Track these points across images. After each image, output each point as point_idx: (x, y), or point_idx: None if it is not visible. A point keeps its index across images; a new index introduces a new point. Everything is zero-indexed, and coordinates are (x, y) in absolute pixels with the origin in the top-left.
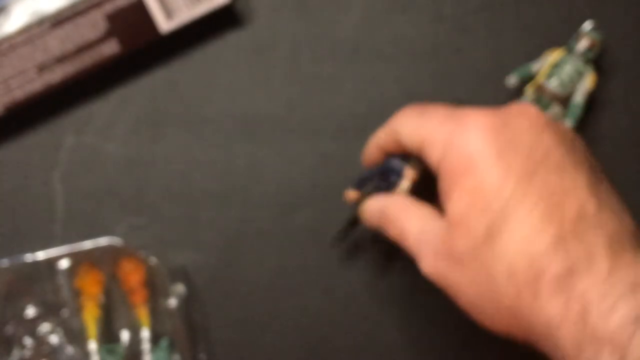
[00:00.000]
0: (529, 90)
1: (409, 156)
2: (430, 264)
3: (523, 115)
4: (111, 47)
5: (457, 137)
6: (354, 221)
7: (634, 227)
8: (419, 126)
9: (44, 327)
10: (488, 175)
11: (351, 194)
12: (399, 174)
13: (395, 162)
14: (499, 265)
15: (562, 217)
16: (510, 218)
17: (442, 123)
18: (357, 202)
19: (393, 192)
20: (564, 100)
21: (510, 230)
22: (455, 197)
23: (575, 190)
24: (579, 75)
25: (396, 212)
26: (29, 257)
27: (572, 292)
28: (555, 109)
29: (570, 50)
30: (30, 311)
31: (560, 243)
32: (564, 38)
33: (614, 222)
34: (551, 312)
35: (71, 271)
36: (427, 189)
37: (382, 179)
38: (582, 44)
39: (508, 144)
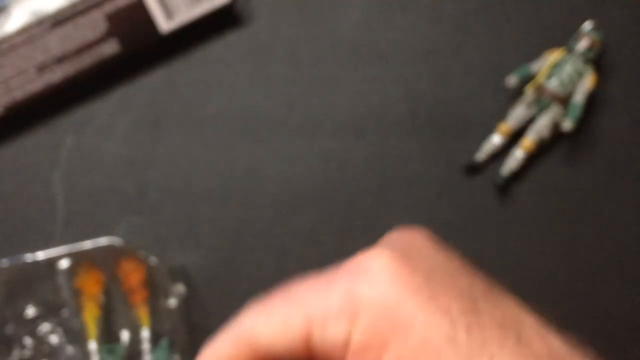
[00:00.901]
0: (529, 91)
1: None
2: None
3: (409, 236)
4: (111, 47)
5: (364, 291)
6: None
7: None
8: (290, 312)
9: (44, 327)
10: (430, 328)
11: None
12: None
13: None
14: None
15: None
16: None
17: (327, 289)
18: None
19: None
20: (564, 100)
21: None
22: None
23: (513, 312)
24: (579, 75)
25: None
26: (29, 257)
27: None
28: (555, 109)
29: (570, 50)
30: (30, 311)
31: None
32: (564, 38)
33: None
34: None
35: (71, 271)
36: None
37: None
38: (582, 44)
39: (424, 276)
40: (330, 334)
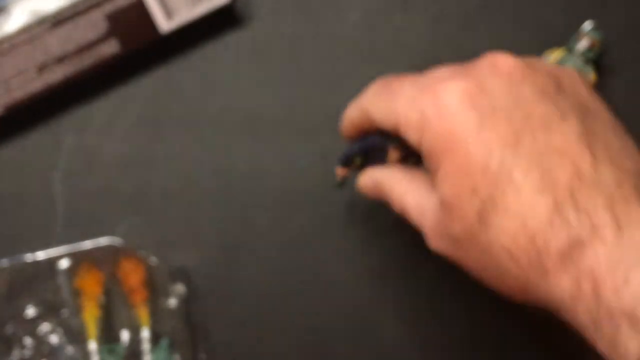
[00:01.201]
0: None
1: (389, 135)
2: (433, 241)
3: (497, 71)
4: (111, 47)
5: (432, 114)
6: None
7: (639, 167)
8: (390, 107)
9: (44, 327)
10: (471, 151)
11: (339, 171)
12: (382, 152)
13: (376, 140)
14: (498, 247)
15: (555, 183)
16: (501, 194)
17: (413, 100)
18: (346, 177)
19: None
20: None
21: (503, 207)
22: (441, 178)
23: (566, 146)
24: None
25: (391, 186)
26: (29, 257)
27: (580, 267)
28: None
29: (570, 50)
30: (30, 311)
31: (558, 213)
32: (564, 38)
33: (613, 173)
34: (562, 291)
35: (71, 271)
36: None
37: (367, 156)
38: (582, 44)
39: (486, 111)
40: (409, 137)
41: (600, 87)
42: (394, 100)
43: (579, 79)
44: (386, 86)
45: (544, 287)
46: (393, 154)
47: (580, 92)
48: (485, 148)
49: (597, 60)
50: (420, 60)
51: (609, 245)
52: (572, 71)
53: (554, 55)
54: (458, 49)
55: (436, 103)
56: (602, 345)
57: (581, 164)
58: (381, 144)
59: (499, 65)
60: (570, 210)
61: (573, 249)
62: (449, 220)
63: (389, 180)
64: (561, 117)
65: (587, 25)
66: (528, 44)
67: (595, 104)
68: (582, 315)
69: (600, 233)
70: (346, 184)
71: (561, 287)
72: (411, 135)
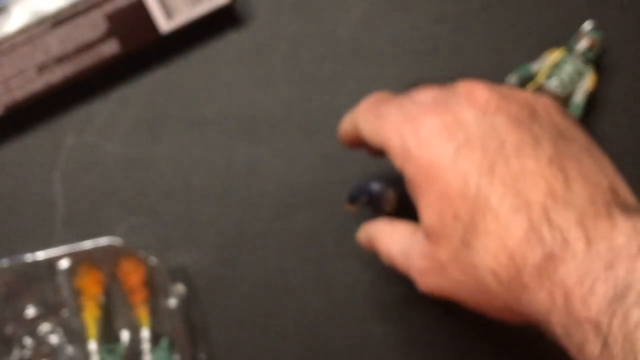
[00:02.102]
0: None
1: (387, 184)
2: (422, 281)
3: (472, 102)
4: (111, 47)
5: (412, 144)
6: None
7: (612, 182)
8: (377, 128)
9: (44, 327)
10: (449, 180)
11: (348, 207)
12: (380, 197)
13: (375, 187)
14: (482, 267)
15: (530, 204)
16: (481, 218)
17: (397, 128)
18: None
19: (381, 208)
20: (564, 100)
21: (484, 230)
22: (424, 207)
23: (539, 169)
24: (579, 75)
25: (380, 239)
26: (29, 257)
27: (553, 280)
28: None
29: (570, 50)
30: (30, 311)
31: (534, 231)
32: (564, 38)
33: (586, 191)
34: (539, 303)
35: (71, 271)
36: None
37: (368, 197)
38: (582, 44)
39: (462, 142)
40: (393, 161)
41: (600, 87)
42: (381, 123)
43: (553, 106)
44: (375, 106)
45: (524, 301)
46: (388, 199)
47: (554, 118)
48: (463, 176)
49: (597, 60)
50: (420, 60)
51: (579, 258)
52: (547, 99)
53: (554, 55)
54: (458, 49)
55: (416, 135)
56: (572, 353)
57: (554, 184)
58: (378, 192)
59: (475, 96)
60: (545, 228)
61: (548, 263)
62: (436, 247)
63: (376, 234)
64: (534, 143)
65: (587, 25)
66: (528, 44)
67: (569, 127)
68: (556, 325)
69: (571, 247)
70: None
71: (539, 300)
72: (395, 160)
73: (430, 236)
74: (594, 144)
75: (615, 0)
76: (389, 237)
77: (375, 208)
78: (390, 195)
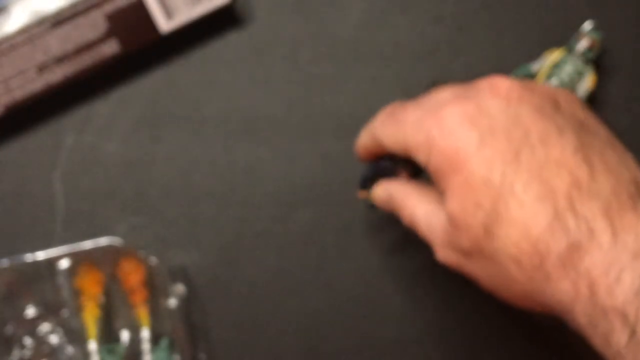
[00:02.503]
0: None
1: (398, 158)
2: (441, 254)
3: (497, 94)
4: (111, 47)
5: (436, 135)
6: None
7: (635, 175)
8: (398, 134)
9: (44, 327)
10: (473, 168)
11: (361, 194)
12: (393, 173)
13: (386, 163)
14: (504, 255)
15: (555, 193)
16: (504, 206)
17: (419, 124)
18: (369, 198)
19: None
20: None
21: (507, 218)
22: (449, 195)
23: (564, 159)
24: (579, 75)
25: (403, 200)
26: (29, 257)
27: (578, 270)
28: None
29: (570, 50)
30: (30, 311)
31: (558, 221)
32: (564, 38)
33: (610, 182)
34: (562, 293)
35: (71, 271)
36: None
37: (380, 176)
38: (582, 44)
39: (486, 130)
40: (418, 158)
41: (600, 87)
42: (401, 127)
43: (575, 99)
44: (391, 115)
45: (547, 291)
46: (402, 174)
47: (576, 110)
48: (487, 164)
49: (597, 60)
50: (420, 60)
51: (605, 249)
52: (568, 92)
53: (554, 55)
54: (458, 49)
55: (439, 125)
56: (597, 343)
57: (579, 174)
58: (391, 167)
59: (497, 87)
60: (570, 217)
61: (572, 253)
62: (457, 234)
63: (401, 194)
64: (558, 133)
65: (587, 25)
66: (528, 44)
67: (591, 121)
68: (580, 315)
69: (597, 238)
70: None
71: (562, 290)
72: (420, 156)
73: (453, 223)
74: (615, 138)
75: (615, 0)
76: (416, 200)
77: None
78: (403, 167)
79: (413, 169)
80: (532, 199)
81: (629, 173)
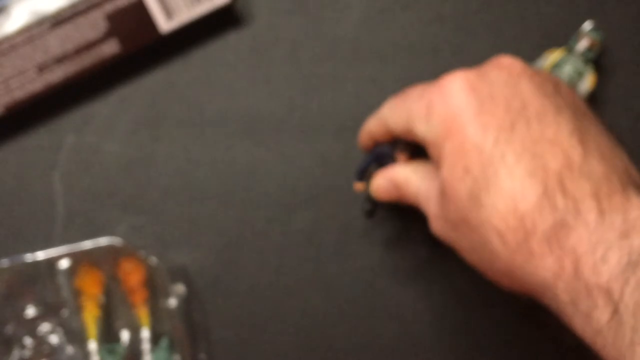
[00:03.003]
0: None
1: (397, 141)
2: (433, 224)
3: (499, 66)
4: (111, 47)
5: (437, 101)
6: (372, 204)
7: (627, 166)
8: (401, 107)
9: (44, 327)
10: (468, 133)
11: (358, 186)
12: (391, 158)
13: (385, 148)
14: (488, 227)
15: (546, 170)
16: (494, 174)
17: (421, 95)
18: (366, 190)
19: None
20: None
21: (495, 187)
22: (442, 162)
23: (558, 138)
24: (579, 75)
25: (403, 179)
26: (29, 257)
27: (563, 247)
28: None
29: (570, 50)
30: (30, 311)
31: (547, 198)
32: (564, 38)
33: (602, 167)
34: (545, 270)
35: (71, 271)
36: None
37: (378, 165)
38: (582, 44)
39: (485, 97)
40: (417, 130)
41: (600, 87)
42: (405, 101)
43: (575, 92)
44: (398, 97)
45: (529, 268)
46: (401, 157)
47: (575, 99)
48: (482, 130)
49: (597, 60)
50: (420, 60)
51: (591, 227)
52: (568, 84)
53: (554, 55)
54: (458, 49)
55: (441, 91)
56: (577, 323)
57: (572, 154)
58: (389, 150)
59: (502, 63)
60: (559, 196)
61: (558, 231)
62: (445, 202)
63: (402, 176)
64: (556, 112)
65: (587, 25)
66: (528, 44)
67: (589, 112)
68: (562, 293)
69: (584, 217)
70: (376, 212)
71: (545, 267)
72: (419, 126)
73: (442, 190)
74: (611, 132)
75: (615, 0)
76: (416, 176)
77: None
78: (401, 150)
79: (410, 150)
80: (522, 173)
81: (622, 163)
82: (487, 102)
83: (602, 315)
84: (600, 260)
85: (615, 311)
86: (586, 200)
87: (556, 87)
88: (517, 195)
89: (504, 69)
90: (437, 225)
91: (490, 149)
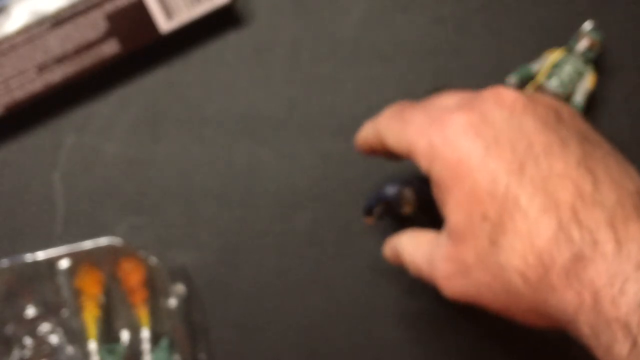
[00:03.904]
0: (529, 90)
1: (404, 187)
2: (447, 286)
3: (500, 104)
4: (111, 47)
5: (440, 143)
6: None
7: (638, 185)
8: (402, 134)
9: (44, 327)
10: (478, 179)
11: (366, 220)
12: (397, 203)
13: (390, 190)
14: (509, 267)
15: (559, 204)
16: (509, 218)
17: (423, 130)
18: (375, 223)
19: (401, 212)
20: (564, 101)
21: (512, 230)
22: (451, 207)
23: (568, 170)
24: (579, 75)
25: (405, 250)
26: (29, 257)
27: (582, 281)
28: None
29: (570, 50)
30: (30, 311)
31: (562, 231)
32: (564, 38)
33: (614, 193)
34: (567, 304)
35: (71, 271)
36: None
37: (385, 205)
38: (582, 44)
39: (490, 141)
40: (420, 163)
41: (600, 87)
42: (406, 128)
43: (575, 113)
44: (399, 113)
45: (551, 302)
46: (406, 207)
47: (578, 123)
48: (492, 175)
49: (597, 60)
50: (420, 60)
51: (609, 259)
52: (570, 106)
53: (554, 55)
54: (458, 49)
55: (443, 133)
56: (600, 354)
57: (583, 185)
58: (394, 191)
59: (502, 98)
60: (574, 228)
61: (577, 264)
62: (461, 248)
63: (401, 246)
64: (562, 144)
65: (587, 25)
66: (528, 44)
67: (593, 133)
68: (583, 326)
69: (601, 248)
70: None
71: (566, 300)
72: (421, 162)
73: (456, 236)
74: (617, 150)
75: (615, 0)
76: (413, 246)
77: (394, 214)
78: (409, 194)
79: (418, 191)
80: (536, 211)
81: (633, 184)
82: (492, 146)
83: (622, 348)
84: (619, 293)
85: (634, 344)
86: (602, 230)
87: (558, 116)
88: (533, 234)
89: (506, 108)
90: (451, 285)
91: (502, 195)
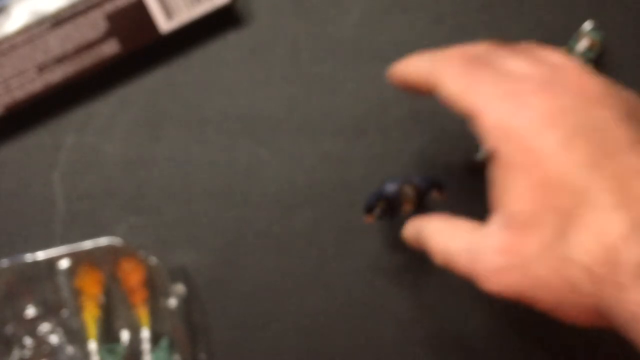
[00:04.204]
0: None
1: (405, 183)
2: (495, 280)
3: (581, 92)
4: (111, 47)
5: (515, 127)
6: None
7: None
8: (466, 93)
9: (44, 327)
10: (550, 169)
11: (366, 219)
12: (398, 200)
13: (391, 187)
14: (574, 262)
15: (633, 202)
16: (581, 211)
17: (493, 101)
18: (376, 222)
19: (402, 209)
20: None
21: (582, 224)
22: (517, 194)
23: None
24: None
25: (435, 237)
26: (29, 257)
27: None
28: None
29: (570, 50)
30: (30, 311)
31: (636, 230)
32: (564, 38)
33: None
34: (635, 305)
35: (71, 271)
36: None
37: (385, 203)
38: (582, 44)
39: (570, 133)
40: (482, 136)
41: None
42: (472, 88)
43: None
44: (466, 65)
45: (616, 302)
46: (406, 206)
47: None
48: (567, 167)
49: (597, 60)
50: None
51: None
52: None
53: None
54: None
55: (519, 114)
56: None
57: None
58: (395, 188)
59: (585, 87)
60: None
61: None
62: (523, 239)
63: (428, 231)
64: (637, 138)
65: (587, 25)
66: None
67: None
68: None
69: None
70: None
71: (635, 301)
72: (487, 136)
73: (518, 225)
74: None
75: (615, 0)
76: (448, 235)
77: (395, 212)
78: (409, 191)
79: (419, 188)
80: (609, 207)
81: None
82: (571, 138)
83: None
84: None
85: None
86: None
87: (629, 107)
88: (603, 230)
89: (588, 98)
90: (500, 279)
91: (575, 187)
